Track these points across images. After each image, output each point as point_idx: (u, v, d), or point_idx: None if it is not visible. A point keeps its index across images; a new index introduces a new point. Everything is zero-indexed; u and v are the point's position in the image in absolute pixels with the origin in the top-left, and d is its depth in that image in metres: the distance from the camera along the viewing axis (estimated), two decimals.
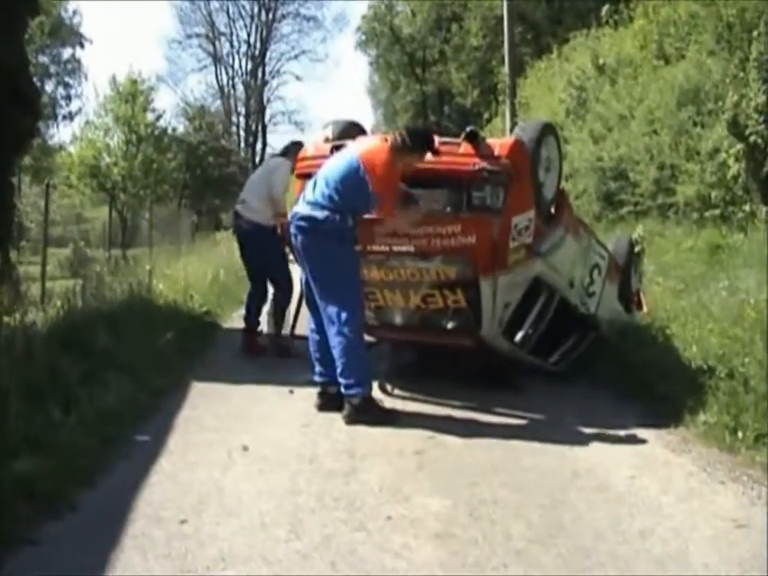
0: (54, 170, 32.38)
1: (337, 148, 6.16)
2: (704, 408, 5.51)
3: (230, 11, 50.96)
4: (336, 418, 5.58)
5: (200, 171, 34.60)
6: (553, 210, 6.59)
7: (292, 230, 5.73)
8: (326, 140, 6.56)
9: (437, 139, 6.02)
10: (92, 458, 4.51)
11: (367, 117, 54.06)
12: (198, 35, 51.40)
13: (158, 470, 4.52)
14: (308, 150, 6.77)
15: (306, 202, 5.69)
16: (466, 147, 5.88)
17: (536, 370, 6.76)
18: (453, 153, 5.93)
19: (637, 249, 9.86)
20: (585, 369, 6.89)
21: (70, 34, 47.25)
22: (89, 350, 6.32)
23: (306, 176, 6.46)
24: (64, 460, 4.28)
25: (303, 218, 5.63)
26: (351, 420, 5.50)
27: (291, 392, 6.36)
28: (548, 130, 6.43)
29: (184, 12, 51.70)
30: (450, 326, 6.22)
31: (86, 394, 5.32)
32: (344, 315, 5.52)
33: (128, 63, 39.05)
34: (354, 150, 5.78)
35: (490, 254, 5.82)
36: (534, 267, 6.25)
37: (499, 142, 6.03)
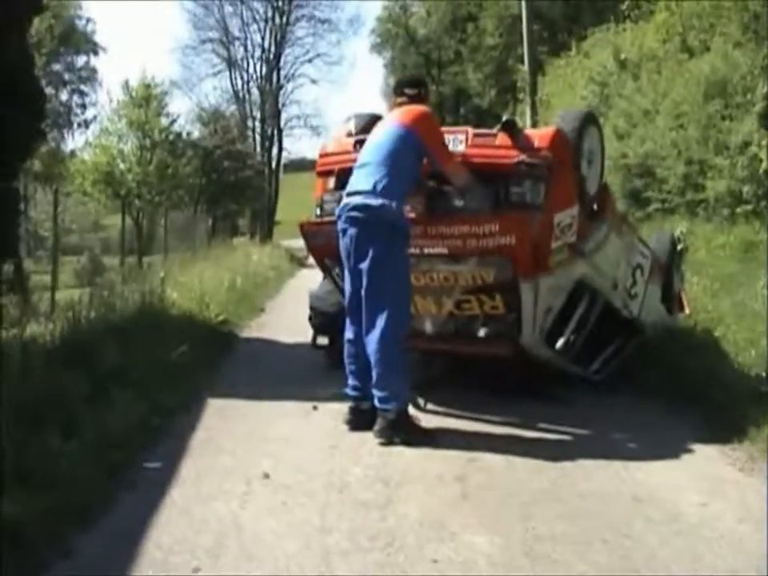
0: (66, 177, 32.01)
1: (360, 143, 5.68)
2: None
3: (244, 15, 50.38)
4: (366, 439, 5.05)
5: (216, 176, 34.10)
6: (595, 207, 6.06)
7: (341, 224, 5.24)
8: (349, 134, 6.07)
9: (471, 130, 5.55)
10: (93, 492, 3.98)
11: None
12: (211, 40, 50.87)
13: (168, 503, 4.00)
14: (329, 146, 6.28)
15: (353, 193, 5.22)
16: (502, 138, 5.39)
17: (577, 379, 6.23)
18: (489, 145, 5.45)
19: (679, 247, 9.33)
20: (629, 377, 6.38)
21: (84, 42, 47.11)
22: (95, 365, 5.82)
23: (328, 173, 6.02)
24: (60, 496, 3.75)
25: (356, 208, 5.14)
26: (383, 436, 5.00)
27: (315, 408, 5.85)
28: (590, 119, 5.92)
29: (197, 17, 50.99)
30: (486, 333, 5.71)
31: (90, 416, 4.83)
32: (390, 319, 5.03)
33: (142, 69, 38.87)
34: (390, 124, 5.40)
35: (531, 255, 5.31)
36: (577, 268, 5.75)
37: (538, 132, 5.55)
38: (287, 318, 10.70)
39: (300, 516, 3.85)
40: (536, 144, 5.33)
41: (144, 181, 27.34)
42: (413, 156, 5.25)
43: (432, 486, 4.27)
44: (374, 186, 5.10)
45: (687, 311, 8.46)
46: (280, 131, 50.63)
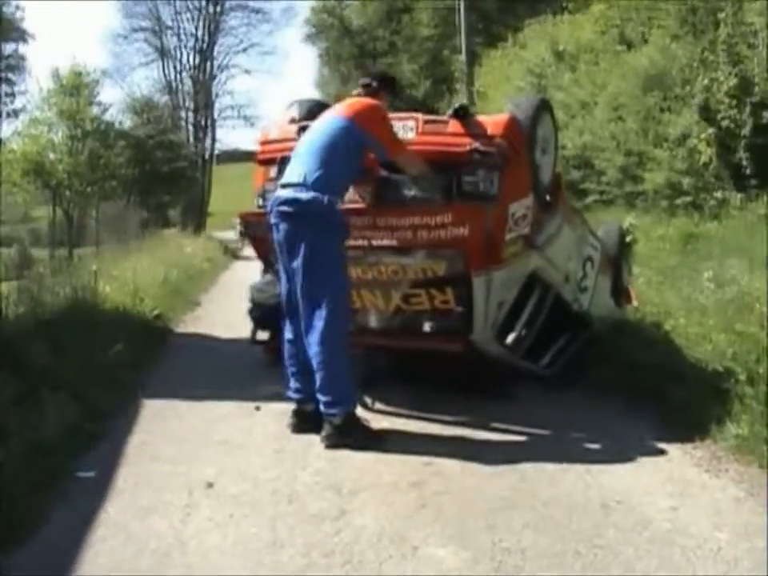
0: None
1: (303, 129, 5.39)
2: (731, 417, 4.84)
3: (176, 4, 49.61)
4: (313, 442, 4.77)
5: (149, 166, 33.40)
6: (548, 197, 5.85)
7: (273, 218, 4.92)
8: (292, 121, 5.78)
9: (421, 117, 5.31)
10: (20, 506, 3.65)
11: None
12: (143, 29, 50.03)
13: (104, 518, 3.67)
14: (270, 132, 5.96)
15: (285, 185, 4.92)
16: (454, 125, 5.14)
17: (525, 375, 6.02)
18: (440, 132, 5.20)
19: (627, 239, 9.21)
20: (580, 373, 6.17)
21: (11, 29, 45.82)
22: (23, 365, 5.47)
23: (269, 161, 5.71)
24: None
25: (286, 202, 4.82)
26: (332, 443, 4.71)
27: (257, 408, 5.56)
28: (544, 105, 5.69)
29: (128, 5, 50.06)
30: (436, 329, 5.47)
31: (17, 421, 4.49)
32: (329, 320, 4.72)
33: (72, 57, 38.10)
34: (334, 114, 5.10)
35: (484, 247, 5.07)
36: (530, 261, 5.53)
37: (492, 119, 5.29)
38: (223, 312, 10.39)
39: (248, 530, 3.57)
40: (489, 131, 5.08)
41: (75, 171, 26.65)
42: (352, 148, 4.95)
43: (387, 494, 4.00)
44: (306, 179, 4.81)
45: (635, 304, 8.32)
46: (213, 122, 49.99)
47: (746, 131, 13.22)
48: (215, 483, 4.11)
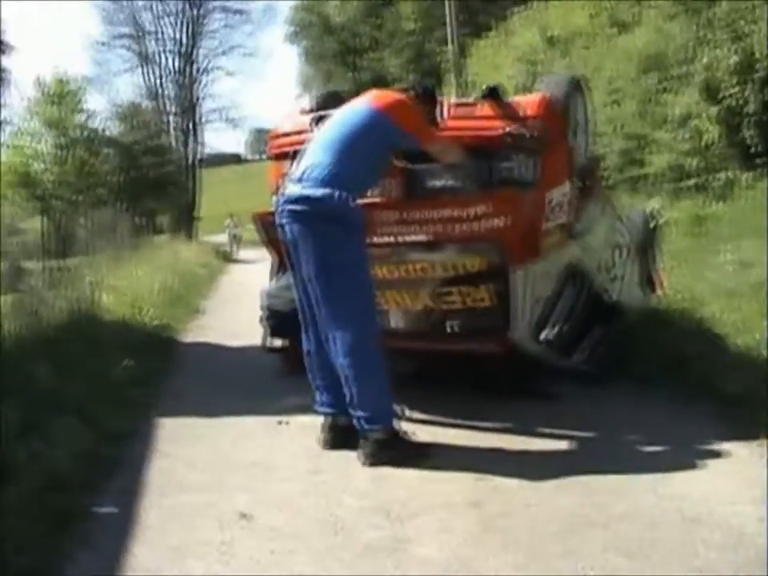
0: None
1: (318, 120, 4.98)
2: None
3: (155, 9, 49.18)
4: (350, 459, 4.35)
5: (136, 172, 32.94)
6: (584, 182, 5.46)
7: (280, 219, 4.48)
8: (304, 112, 5.37)
9: (449, 101, 4.92)
10: (35, 552, 3.22)
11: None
12: (123, 36, 49.55)
13: (132, 562, 3.23)
14: (283, 125, 5.54)
15: (295, 180, 4.45)
16: (485, 108, 4.77)
17: (560, 371, 5.61)
18: (471, 116, 4.81)
19: (653, 224, 8.81)
20: (618, 366, 5.78)
21: None
22: (26, 388, 5.05)
23: (283, 156, 5.31)
24: None
25: (296, 200, 4.36)
26: (371, 461, 4.27)
27: (282, 423, 5.15)
28: (577, 84, 5.30)
29: (108, 12, 49.55)
30: (469, 329, 5.07)
31: (25, 453, 4.07)
32: (351, 326, 4.29)
33: (54, 66, 37.78)
34: (359, 105, 4.63)
35: (522, 239, 4.68)
36: (569, 252, 5.16)
37: (525, 99, 4.91)
38: (228, 319, 9.99)
39: (296, 568, 3.15)
40: (524, 113, 4.70)
41: (62, 180, 26.22)
42: (379, 143, 4.51)
43: (445, 517, 3.58)
44: (318, 173, 4.34)
45: (661, 291, 7.94)
46: (196, 125, 49.54)
47: (750, 108, 12.93)
48: (250, 514, 3.68)
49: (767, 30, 12.81)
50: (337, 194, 4.25)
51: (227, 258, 25.17)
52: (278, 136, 5.48)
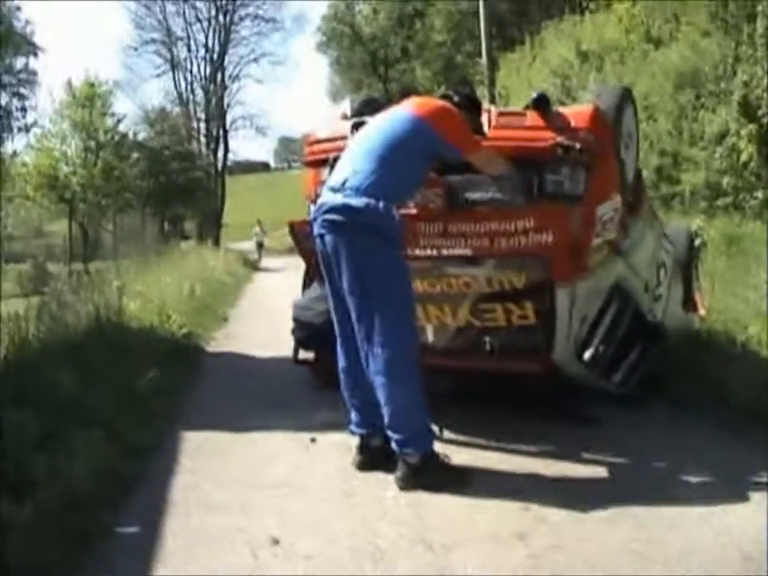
0: (7, 181, 30.74)
1: (358, 126, 4.79)
2: None
3: (187, 15, 49.33)
4: (386, 482, 4.12)
5: (164, 177, 32.87)
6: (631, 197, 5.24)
7: (317, 229, 4.25)
8: (344, 117, 5.18)
9: (494, 109, 4.71)
10: None
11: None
12: (154, 41, 49.74)
13: None
14: (320, 131, 5.34)
15: (334, 189, 4.23)
16: (533, 118, 4.55)
17: (598, 393, 5.39)
18: (517, 126, 4.60)
19: (697, 242, 8.60)
20: (658, 390, 5.56)
21: (23, 44, 45.47)
22: (49, 397, 4.86)
23: (321, 163, 5.10)
24: None
25: (334, 210, 4.13)
26: (408, 485, 4.05)
27: (313, 440, 4.93)
28: (628, 96, 5.08)
29: (139, 17, 49.79)
30: (511, 347, 4.86)
31: (44, 467, 3.88)
32: (391, 344, 4.05)
33: (84, 69, 37.88)
34: (401, 111, 4.40)
35: (570, 255, 4.46)
36: (615, 270, 4.94)
37: (574, 110, 4.69)
38: (255, 328, 9.83)
39: None
40: (573, 124, 4.48)
41: (89, 184, 26.16)
42: (420, 152, 4.28)
43: (490, 549, 3.34)
44: (358, 182, 4.11)
45: (702, 312, 7.70)
46: (225, 132, 49.61)
47: None
48: (282, 538, 3.47)
49: None
50: (378, 204, 4.04)
51: (254, 266, 25.03)
52: (314, 142, 5.26)
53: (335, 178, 4.30)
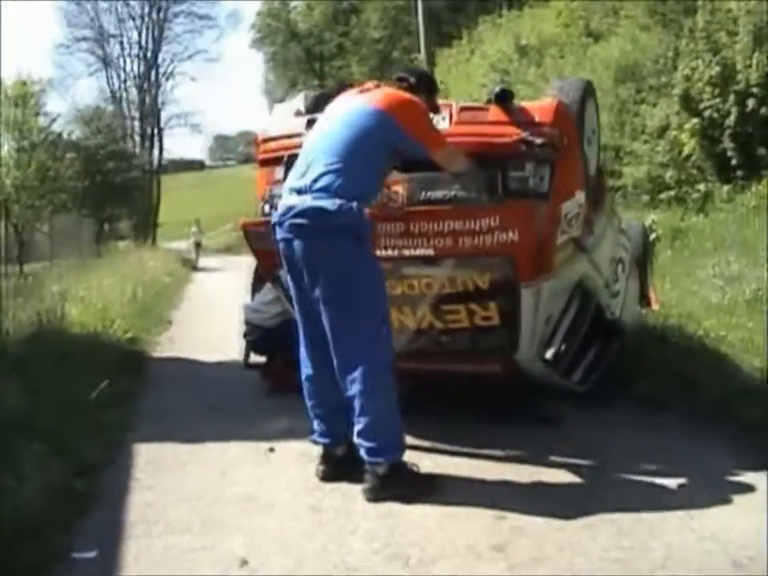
0: None
1: (313, 123, 4.60)
2: None
3: (119, 12, 48.60)
4: (353, 494, 3.96)
5: (100, 177, 32.30)
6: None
7: (282, 233, 4.04)
8: (299, 113, 4.99)
9: (455, 105, 4.57)
10: None
11: (264, 117, 52.63)
12: (86, 38, 48.90)
13: None
14: (272, 128, 5.13)
15: (298, 191, 4.02)
16: (496, 112, 4.41)
17: (555, 393, 5.34)
18: (479, 121, 4.46)
19: (651, 237, 8.56)
20: (617, 387, 5.48)
21: None
22: None
23: (274, 161, 4.89)
24: None
25: (303, 214, 3.92)
26: (376, 497, 3.89)
27: (272, 450, 4.74)
28: (590, 89, 4.96)
29: (71, 15, 48.97)
30: (474, 349, 4.73)
31: None
32: (369, 352, 3.91)
33: (16, 67, 37.09)
34: (363, 105, 4.16)
35: (535, 254, 4.34)
36: (579, 267, 4.83)
37: (537, 105, 4.56)
38: (200, 331, 9.63)
39: None
40: (537, 119, 4.36)
41: (23, 185, 25.51)
42: (385, 146, 4.10)
43: (470, 563, 3.18)
44: (331, 183, 3.91)
45: (656, 307, 7.67)
46: (160, 130, 49.01)
47: (730, 120, 12.76)
48: (250, 559, 3.28)
49: (749, 42, 12.65)
50: (351, 204, 3.86)
51: (192, 266, 24.67)
52: (267, 140, 5.05)
53: (296, 178, 4.10)
